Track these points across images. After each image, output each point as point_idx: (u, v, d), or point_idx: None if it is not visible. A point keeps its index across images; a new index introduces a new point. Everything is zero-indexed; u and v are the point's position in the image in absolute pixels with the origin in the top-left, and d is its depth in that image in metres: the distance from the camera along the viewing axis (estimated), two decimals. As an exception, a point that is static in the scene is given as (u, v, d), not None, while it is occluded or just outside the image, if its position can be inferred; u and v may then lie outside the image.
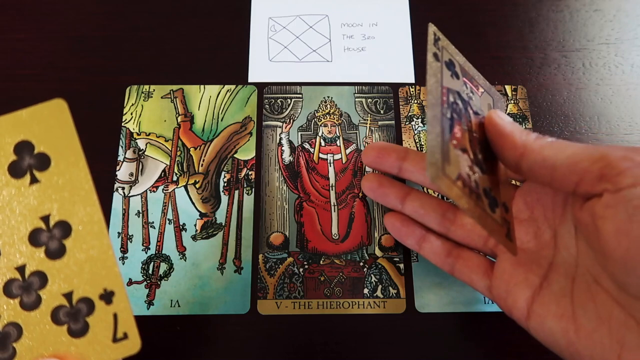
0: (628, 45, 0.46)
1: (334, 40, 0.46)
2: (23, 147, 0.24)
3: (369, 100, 0.43)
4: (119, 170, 0.40)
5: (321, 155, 0.41)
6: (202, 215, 0.39)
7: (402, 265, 0.38)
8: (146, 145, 0.41)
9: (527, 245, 0.31)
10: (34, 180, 0.24)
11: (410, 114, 0.43)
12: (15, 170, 0.24)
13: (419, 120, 0.43)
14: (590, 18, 0.47)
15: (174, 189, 0.40)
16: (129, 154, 0.41)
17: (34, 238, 0.23)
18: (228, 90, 0.43)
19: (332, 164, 0.41)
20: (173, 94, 0.43)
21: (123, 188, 0.40)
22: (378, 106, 0.43)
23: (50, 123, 0.24)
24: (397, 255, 0.38)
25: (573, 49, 0.46)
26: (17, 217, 0.23)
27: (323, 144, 0.42)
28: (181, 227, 0.39)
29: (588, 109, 0.43)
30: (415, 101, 0.43)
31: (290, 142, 0.42)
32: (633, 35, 0.46)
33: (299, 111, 0.43)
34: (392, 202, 0.37)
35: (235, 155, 0.41)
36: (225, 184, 0.40)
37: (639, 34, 0.46)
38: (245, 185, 0.40)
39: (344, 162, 0.41)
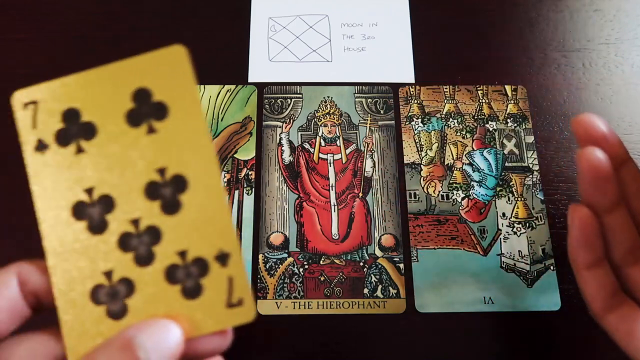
0: (628, 45, 0.46)
1: (334, 40, 0.46)
2: (141, 95, 0.22)
3: (369, 100, 0.43)
4: (119, 170, 0.40)
5: (321, 155, 0.41)
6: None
7: (402, 265, 0.38)
8: (146, 145, 0.41)
9: None
10: (151, 130, 0.22)
11: (410, 114, 0.43)
12: (133, 119, 0.22)
13: (419, 120, 0.43)
14: (590, 18, 0.47)
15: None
16: (129, 154, 0.41)
17: (150, 191, 0.22)
18: (228, 90, 0.43)
19: (332, 164, 0.41)
20: (173, 94, 0.43)
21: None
22: (378, 106, 0.43)
23: (169, 70, 0.22)
24: (397, 255, 0.38)
25: (573, 49, 0.46)
26: (134, 168, 0.22)
27: (323, 144, 0.42)
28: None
29: (588, 109, 0.43)
30: (415, 101, 0.43)
31: (290, 142, 0.42)
32: (633, 35, 0.46)
33: (299, 111, 0.43)
34: (610, 196, 0.26)
35: (235, 155, 0.41)
36: (225, 184, 0.40)
37: (639, 34, 0.46)
38: (245, 185, 0.40)
39: (344, 162, 0.41)
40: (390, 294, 0.37)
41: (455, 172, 0.41)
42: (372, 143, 0.42)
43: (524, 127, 0.42)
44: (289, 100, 0.43)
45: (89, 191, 0.22)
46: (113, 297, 0.21)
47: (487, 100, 0.43)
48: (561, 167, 0.41)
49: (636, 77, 0.45)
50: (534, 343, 0.36)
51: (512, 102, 0.43)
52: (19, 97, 0.23)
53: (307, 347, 0.36)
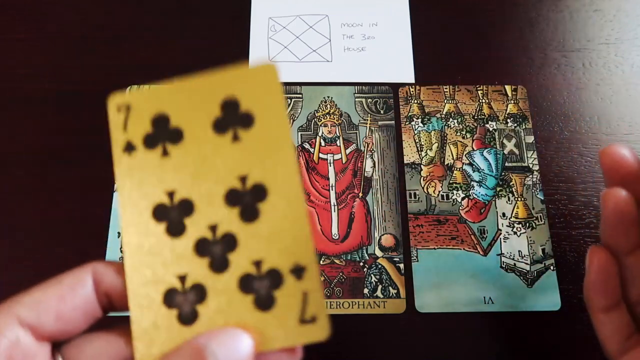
0: (628, 45, 0.46)
1: (334, 40, 0.46)
2: (229, 105, 0.22)
3: (369, 100, 0.43)
4: (119, 170, 0.40)
5: (321, 155, 0.41)
6: (202, 215, 0.39)
7: (402, 265, 0.38)
8: (146, 145, 0.41)
9: None
10: (235, 138, 0.22)
11: (410, 114, 0.43)
12: (219, 127, 0.22)
13: (419, 120, 0.43)
14: (590, 18, 0.47)
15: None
16: (129, 154, 0.41)
17: (230, 198, 0.22)
18: (228, 90, 0.43)
19: (332, 164, 0.41)
20: (173, 94, 0.43)
21: (123, 188, 0.40)
22: (378, 106, 0.43)
23: (259, 85, 0.22)
24: (397, 255, 0.38)
25: (573, 49, 0.46)
26: (216, 174, 0.22)
27: (323, 144, 0.42)
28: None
29: (588, 109, 0.43)
30: (415, 101, 0.43)
31: (290, 142, 0.42)
32: (633, 35, 0.46)
33: (299, 111, 0.43)
34: (633, 239, 0.25)
35: (235, 155, 0.41)
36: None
37: (639, 34, 0.46)
38: (245, 185, 0.40)
39: (344, 162, 0.41)
40: (390, 294, 0.37)
41: (455, 172, 0.41)
42: (372, 143, 0.42)
43: (524, 127, 0.42)
44: (289, 100, 0.43)
45: (171, 194, 0.22)
46: (185, 302, 0.21)
47: (487, 100, 0.43)
48: (561, 167, 0.41)
49: (636, 77, 0.45)
50: (534, 343, 0.36)
51: (512, 102, 0.43)
52: (114, 100, 0.23)
53: (307, 347, 0.36)
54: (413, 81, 0.44)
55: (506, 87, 0.44)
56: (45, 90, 0.43)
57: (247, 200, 0.22)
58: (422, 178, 0.41)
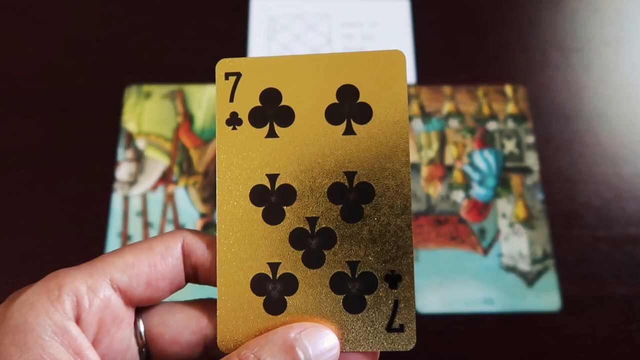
0: (628, 45, 0.46)
1: (334, 40, 0.46)
2: (347, 92, 0.21)
3: (369, 100, 0.43)
4: (118, 170, 0.40)
5: (321, 155, 0.41)
6: (202, 215, 0.39)
7: (402, 265, 0.38)
8: (146, 145, 0.41)
9: None
10: (349, 131, 0.21)
11: (410, 114, 0.43)
12: (332, 116, 0.21)
13: (419, 120, 0.43)
14: (590, 18, 0.47)
15: (173, 189, 0.40)
16: (129, 154, 0.41)
17: (333, 193, 0.21)
18: (228, 90, 0.43)
19: (332, 164, 0.41)
20: (173, 94, 0.43)
21: (123, 188, 0.40)
22: (378, 106, 0.43)
23: (382, 74, 0.21)
24: (397, 255, 0.38)
25: (573, 49, 0.46)
26: (323, 165, 0.21)
27: (323, 144, 0.42)
28: (181, 227, 0.39)
29: (588, 109, 0.43)
30: (415, 101, 0.43)
31: (290, 142, 0.42)
32: (633, 35, 0.46)
33: (299, 111, 0.43)
34: None
35: (235, 155, 0.41)
36: (225, 184, 0.40)
37: (639, 34, 0.46)
38: (245, 185, 0.40)
39: (344, 162, 0.41)
40: (390, 294, 0.37)
41: (455, 172, 0.41)
42: (372, 143, 0.42)
43: (524, 127, 0.42)
44: (289, 100, 0.43)
45: (273, 178, 0.21)
46: (274, 290, 0.21)
47: (487, 100, 0.43)
48: (561, 167, 0.41)
49: (636, 77, 0.45)
50: (534, 343, 0.36)
51: (512, 102, 0.43)
52: (223, 66, 0.22)
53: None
54: (413, 81, 0.44)
55: (506, 87, 0.44)
56: (45, 90, 0.43)
57: (351, 198, 0.21)
58: (422, 178, 0.41)
